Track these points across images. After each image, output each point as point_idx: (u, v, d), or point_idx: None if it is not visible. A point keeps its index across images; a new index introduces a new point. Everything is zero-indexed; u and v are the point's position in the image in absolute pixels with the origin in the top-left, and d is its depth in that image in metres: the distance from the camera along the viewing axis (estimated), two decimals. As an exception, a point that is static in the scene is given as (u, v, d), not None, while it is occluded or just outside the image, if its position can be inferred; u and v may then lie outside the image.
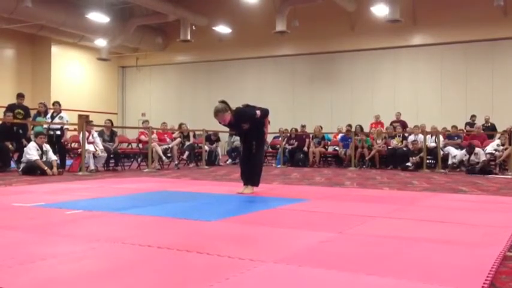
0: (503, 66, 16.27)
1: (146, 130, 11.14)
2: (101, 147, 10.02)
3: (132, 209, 4.14)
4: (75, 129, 13.23)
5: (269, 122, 5.93)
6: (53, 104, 10.53)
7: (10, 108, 10.33)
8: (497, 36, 16.10)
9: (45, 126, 10.15)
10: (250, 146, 5.67)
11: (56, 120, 10.11)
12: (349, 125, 13.77)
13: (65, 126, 10.28)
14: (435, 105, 17.12)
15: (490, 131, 13.29)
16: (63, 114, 10.31)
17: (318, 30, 18.19)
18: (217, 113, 5.37)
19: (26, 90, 16.71)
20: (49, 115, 10.42)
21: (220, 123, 5.55)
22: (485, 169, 9.96)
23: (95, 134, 10.17)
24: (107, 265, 2.34)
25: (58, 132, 10.10)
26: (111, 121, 11.46)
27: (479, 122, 14.00)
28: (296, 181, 7.99)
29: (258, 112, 5.50)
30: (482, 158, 10.33)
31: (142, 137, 11.47)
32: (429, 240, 2.96)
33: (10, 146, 9.53)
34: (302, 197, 5.22)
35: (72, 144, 11.36)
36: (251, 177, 5.67)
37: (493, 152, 11.07)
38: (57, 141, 9.97)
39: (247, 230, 3.33)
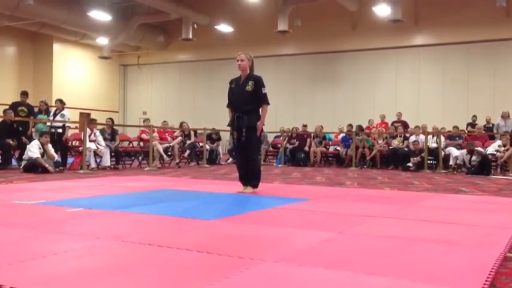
0: (505, 67, 16.25)
1: (147, 128, 11.14)
2: (103, 144, 10.03)
3: (133, 208, 4.14)
4: (76, 127, 13.24)
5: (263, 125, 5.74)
6: (56, 102, 10.53)
7: (13, 106, 10.33)
8: (500, 37, 16.08)
9: (48, 124, 10.16)
10: (240, 133, 5.51)
11: (58, 118, 10.11)
12: (350, 125, 13.77)
13: (67, 124, 10.29)
14: (437, 106, 17.10)
15: (491, 131, 13.31)
16: (65, 112, 10.31)
17: (320, 30, 18.17)
18: (246, 54, 5.54)
19: (28, 88, 16.67)
20: (51, 113, 10.43)
21: (237, 62, 5.54)
22: (484, 164, 9.90)
23: (97, 133, 10.17)
24: (107, 263, 2.34)
25: (60, 130, 10.10)
26: (112, 120, 11.46)
27: (481, 122, 14.00)
28: (297, 180, 7.98)
29: (265, 89, 5.53)
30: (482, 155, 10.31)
31: (144, 136, 11.48)
32: (429, 240, 2.95)
33: (11, 141, 9.52)
34: (302, 197, 5.22)
35: (73, 143, 11.36)
36: (250, 180, 5.65)
37: (494, 152, 11.06)
38: (58, 140, 9.98)
39: (248, 229, 3.33)
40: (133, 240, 2.77)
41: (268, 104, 5.60)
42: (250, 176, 5.64)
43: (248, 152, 5.59)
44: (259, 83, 5.54)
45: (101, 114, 18.21)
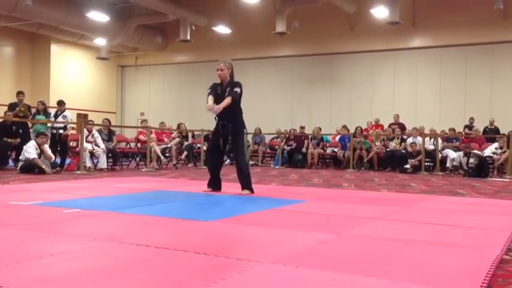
0: (503, 70, 16.29)
1: (145, 130, 11.14)
2: (102, 146, 10.01)
3: (130, 209, 4.14)
4: (73, 128, 13.22)
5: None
6: (58, 103, 10.53)
7: (12, 106, 10.31)
8: (497, 40, 16.11)
9: (49, 125, 10.15)
10: (226, 141, 5.58)
11: (60, 119, 10.12)
12: (344, 126, 13.69)
13: (69, 125, 10.30)
14: (434, 108, 17.13)
15: (494, 133, 13.18)
16: (66, 113, 10.33)
17: (318, 32, 18.18)
18: (225, 62, 5.63)
19: (25, 88, 16.62)
20: (52, 114, 10.44)
21: (217, 72, 5.62)
22: (482, 166, 9.92)
23: (96, 134, 10.16)
24: (104, 264, 2.34)
25: (61, 131, 10.10)
26: (109, 120, 11.45)
27: (483, 124, 14.00)
28: (294, 182, 7.98)
29: (239, 89, 5.52)
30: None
31: (141, 137, 11.47)
32: (426, 242, 2.96)
33: (9, 140, 9.48)
34: (300, 198, 5.22)
35: (71, 143, 11.34)
36: (246, 185, 5.64)
37: (491, 155, 11.08)
38: (60, 140, 9.96)
39: (245, 230, 3.33)
40: (130, 242, 2.76)
41: (234, 99, 5.45)
42: (243, 179, 5.64)
43: (238, 154, 5.68)
44: (235, 85, 5.57)
45: (99, 115, 18.17)
